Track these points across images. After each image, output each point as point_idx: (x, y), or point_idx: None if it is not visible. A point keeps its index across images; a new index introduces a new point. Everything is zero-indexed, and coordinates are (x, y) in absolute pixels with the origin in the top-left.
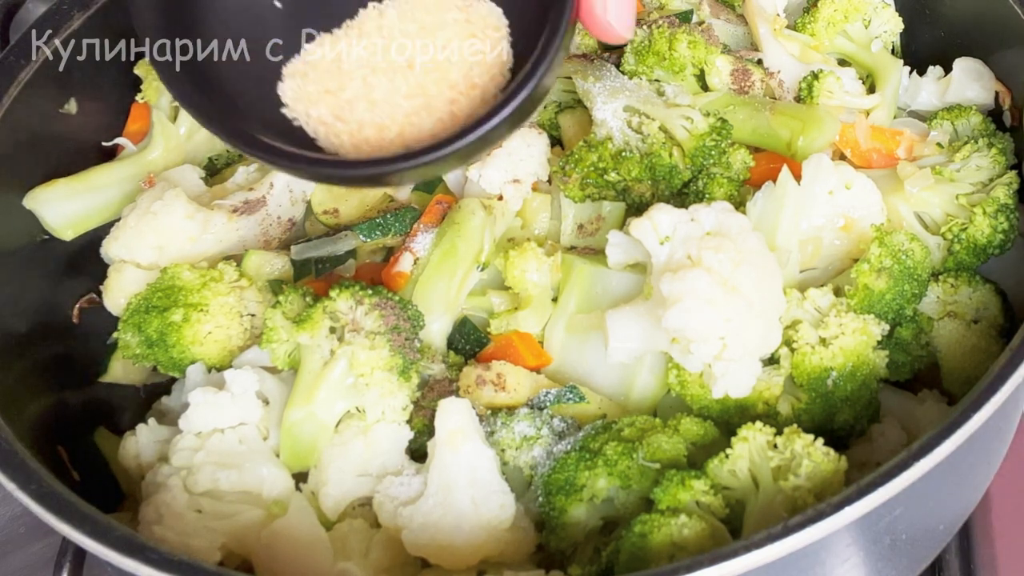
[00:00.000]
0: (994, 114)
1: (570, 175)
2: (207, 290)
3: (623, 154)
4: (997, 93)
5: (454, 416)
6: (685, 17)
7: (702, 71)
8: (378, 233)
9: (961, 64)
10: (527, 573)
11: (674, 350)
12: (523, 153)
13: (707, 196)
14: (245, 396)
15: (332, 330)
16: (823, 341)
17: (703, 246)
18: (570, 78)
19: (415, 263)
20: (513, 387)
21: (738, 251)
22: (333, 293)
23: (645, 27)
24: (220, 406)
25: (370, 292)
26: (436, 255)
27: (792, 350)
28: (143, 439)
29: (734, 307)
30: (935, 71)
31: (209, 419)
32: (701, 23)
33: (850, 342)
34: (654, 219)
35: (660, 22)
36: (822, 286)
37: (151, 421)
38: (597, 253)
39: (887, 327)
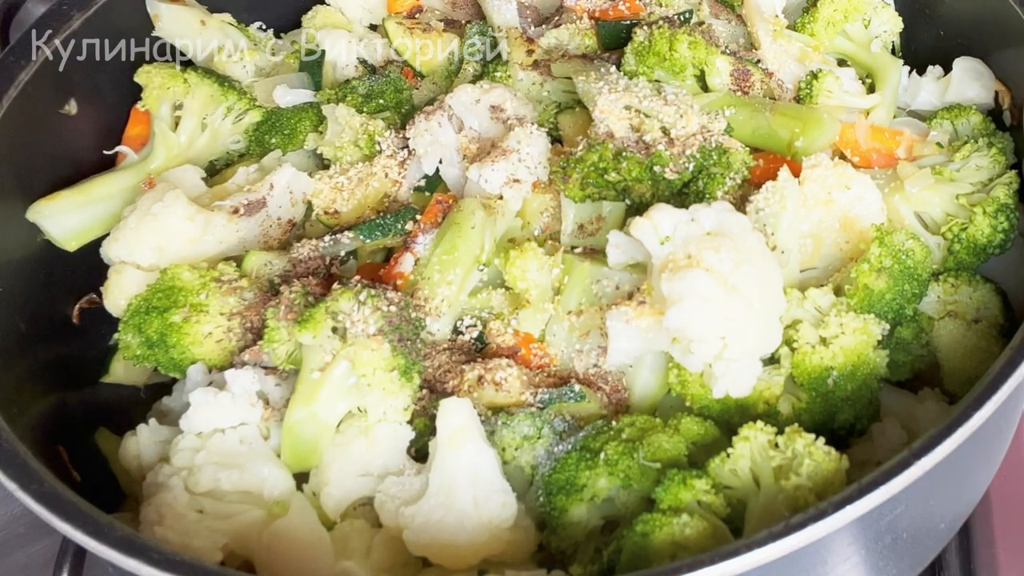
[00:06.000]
0: (994, 113)
1: (570, 175)
2: (207, 291)
3: (623, 154)
4: (997, 92)
5: (456, 416)
6: (685, 18)
7: (702, 71)
8: (378, 234)
9: (961, 63)
10: (528, 573)
11: (675, 350)
12: (523, 153)
13: (707, 196)
14: (246, 396)
15: (334, 330)
16: (823, 341)
17: (703, 246)
18: (570, 78)
19: (416, 263)
20: (514, 387)
21: (738, 251)
22: (335, 293)
23: (645, 27)
24: (221, 406)
25: (372, 293)
26: (437, 255)
27: (792, 350)
28: (144, 439)
29: (734, 306)
30: (935, 71)
31: (210, 419)
32: (701, 23)
33: (850, 342)
34: (654, 219)
35: (660, 23)
36: (822, 286)
37: (152, 421)
38: (597, 253)
39: (887, 327)
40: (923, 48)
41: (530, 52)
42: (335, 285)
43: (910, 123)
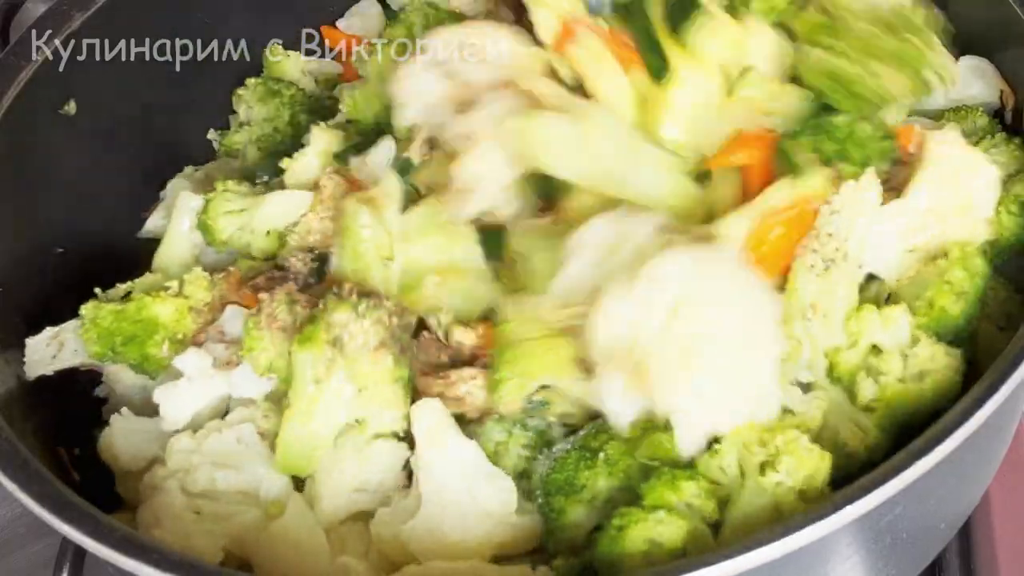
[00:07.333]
0: (998, 113)
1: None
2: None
3: None
4: (1001, 92)
5: (428, 417)
6: None
7: None
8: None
9: (965, 61)
10: (514, 567)
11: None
12: None
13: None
14: (201, 372)
15: (332, 343)
16: (916, 375)
17: (674, 349)
18: None
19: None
20: (479, 397)
21: (717, 321)
22: (330, 306)
23: None
24: (185, 393)
25: (370, 304)
26: (346, 266)
27: (876, 381)
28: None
29: (724, 403)
30: None
31: (184, 408)
32: None
33: (943, 378)
34: (606, 310)
35: None
36: (887, 298)
37: (124, 410)
38: None
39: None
40: None
41: None
42: (327, 296)
43: (918, 122)
